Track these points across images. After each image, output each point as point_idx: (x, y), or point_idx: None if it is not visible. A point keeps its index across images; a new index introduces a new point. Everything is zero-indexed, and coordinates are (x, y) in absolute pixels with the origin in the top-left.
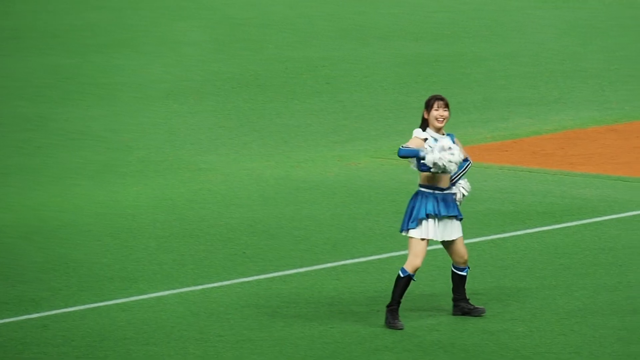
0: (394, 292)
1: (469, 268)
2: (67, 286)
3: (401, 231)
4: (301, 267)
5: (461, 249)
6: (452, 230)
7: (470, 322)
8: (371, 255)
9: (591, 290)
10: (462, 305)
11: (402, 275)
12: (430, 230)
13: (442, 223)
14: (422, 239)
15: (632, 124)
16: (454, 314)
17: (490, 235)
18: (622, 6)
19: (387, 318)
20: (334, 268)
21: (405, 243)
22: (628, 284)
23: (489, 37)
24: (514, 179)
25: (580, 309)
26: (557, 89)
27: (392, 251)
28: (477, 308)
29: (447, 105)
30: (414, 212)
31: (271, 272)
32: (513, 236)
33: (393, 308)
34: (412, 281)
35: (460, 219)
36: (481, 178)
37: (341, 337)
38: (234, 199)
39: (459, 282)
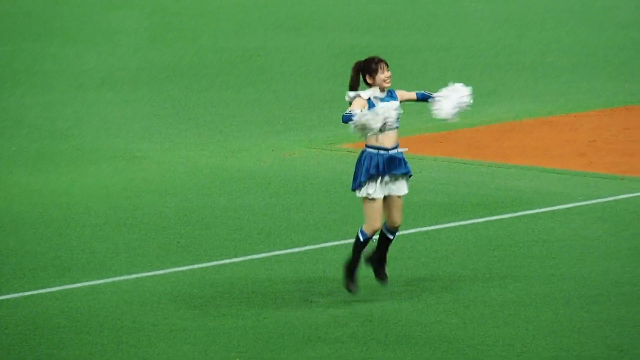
0: (353, 251)
1: (395, 235)
2: (0, 274)
3: (353, 190)
4: (235, 257)
5: (396, 210)
6: (395, 186)
7: (403, 312)
8: (305, 245)
9: (525, 283)
10: (376, 265)
11: (362, 239)
12: (377, 189)
13: (388, 181)
14: (372, 199)
15: (566, 117)
16: (364, 261)
17: (424, 226)
18: None
19: (345, 275)
20: (267, 258)
21: (340, 234)
22: (561, 276)
23: (424, 29)
24: (448, 171)
25: (514, 301)
26: (492, 81)
27: (326, 242)
28: (384, 276)
29: (387, 64)
30: (359, 173)
31: (205, 262)
32: (447, 228)
33: (352, 267)
34: (370, 241)
35: (410, 176)
36: (415, 169)
37: (274, 327)
38: (169, 188)
39: (382, 242)
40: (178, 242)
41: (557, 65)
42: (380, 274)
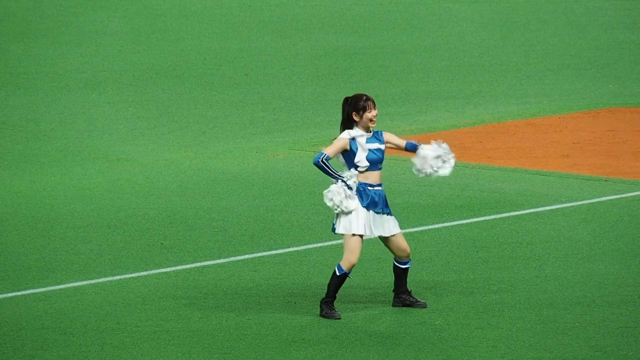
0: (329, 287)
1: (410, 260)
2: None
3: (333, 230)
4: (219, 258)
5: (401, 244)
6: (387, 226)
7: (387, 314)
8: (289, 247)
9: (508, 284)
10: (403, 297)
11: (338, 273)
12: (361, 226)
13: (375, 219)
14: (354, 235)
15: (550, 118)
16: (393, 306)
17: (408, 228)
18: (540, 0)
19: (322, 309)
20: (251, 260)
21: (324, 236)
22: (545, 277)
23: (408, 30)
24: None
25: (498, 303)
26: (476, 82)
27: (309, 243)
28: (419, 302)
29: (375, 103)
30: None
31: (189, 263)
32: (431, 229)
33: (328, 300)
34: (347, 278)
35: (391, 215)
36: (399, 171)
37: (258, 328)
38: (152, 189)
39: (401, 274)
40: (162, 243)
41: (541, 66)
42: (417, 303)
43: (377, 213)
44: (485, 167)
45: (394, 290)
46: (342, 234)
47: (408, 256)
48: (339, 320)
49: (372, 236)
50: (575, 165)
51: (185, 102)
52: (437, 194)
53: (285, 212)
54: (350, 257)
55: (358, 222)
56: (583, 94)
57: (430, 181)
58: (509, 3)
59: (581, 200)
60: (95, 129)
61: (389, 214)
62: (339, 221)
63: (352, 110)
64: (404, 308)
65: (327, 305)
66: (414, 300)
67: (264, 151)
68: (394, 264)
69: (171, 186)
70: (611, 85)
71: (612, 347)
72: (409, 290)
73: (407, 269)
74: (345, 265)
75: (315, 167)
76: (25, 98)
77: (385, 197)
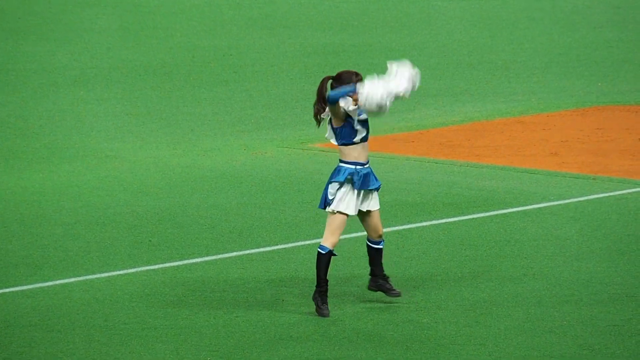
0: (318, 272)
1: (383, 241)
2: None
3: (323, 207)
4: (207, 255)
5: (376, 223)
6: (369, 201)
7: (375, 312)
8: (277, 244)
9: (496, 282)
10: (380, 282)
11: (322, 252)
12: (352, 207)
13: (360, 197)
14: (341, 213)
15: (538, 116)
16: (369, 288)
17: (396, 226)
18: None
19: (316, 300)
20: (239, 257)
21: (312, 233)
22: (533, 276)
23: (397, 28)
24: (420, 170)
25: (486, 301)
26: (464, 80)
27: (297, 240)
28: (394, 290)
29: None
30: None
31: (177, 261)
32: (419, 227)
33: (322, 290)
34: (333, 256)
35: (378, 189)
36: (387, 169)
37: (246, 326)
38: (141, 186)
39: (375, 255)
40: (150, 240)
41: (529, 64)
42: (391, 291)
43: (367, 190)
44: (473, 165)
45: (370, 273)
46: (329, 212)
47: (380, 237)
48: (327, 318)
49: (354, 214)
50: (563, 164)
51: (174, 99)
52: (425, 191)
53: (274, 209)
54: (331, 237)
55: (351, 203)
56: (571, 92)
57: (418, 179)
58: (498, 1)
59: (569, 199)
60: (83, 126)
61: (377, 188)
62: (336, 197)
63: (356, 78)
64: (392, 305)
65: (322, 297)
66: (390, 287)
67: (253, 148)
68: (367, 244)
69: (159, 183)
70: (599, 84)
71: (599, 345)
72: (387, 276)
73: (380, 249)
74: (328, 244)
75: (331, 101)
76: (14, 95)
77: (373, 173)
